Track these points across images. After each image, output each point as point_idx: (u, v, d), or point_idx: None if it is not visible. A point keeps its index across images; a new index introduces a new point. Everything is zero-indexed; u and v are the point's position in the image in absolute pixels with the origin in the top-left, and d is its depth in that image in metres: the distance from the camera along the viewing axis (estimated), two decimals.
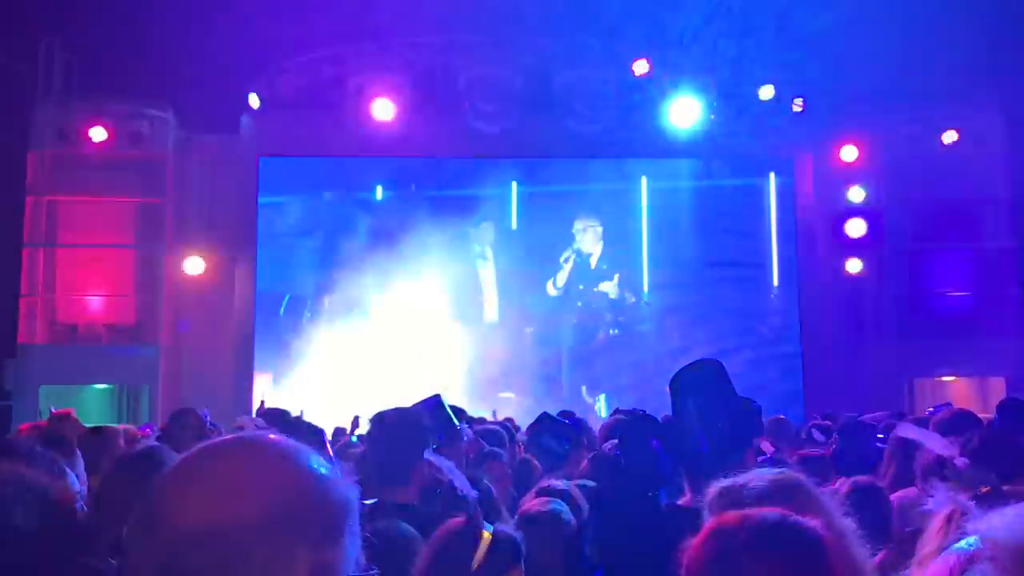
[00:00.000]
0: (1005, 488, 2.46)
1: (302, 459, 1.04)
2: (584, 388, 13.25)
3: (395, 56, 12.82)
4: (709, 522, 1.49)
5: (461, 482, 2.55)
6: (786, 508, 1.50)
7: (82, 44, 12.92)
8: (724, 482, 1.84)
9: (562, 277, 13.41)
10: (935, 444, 3.00)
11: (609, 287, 13.51)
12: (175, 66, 12.53)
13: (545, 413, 5.05)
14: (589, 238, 13.54)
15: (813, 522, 1.46)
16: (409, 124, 12.90)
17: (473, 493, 2.50)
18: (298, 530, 0.97)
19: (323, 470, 1.04)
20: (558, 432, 4.67)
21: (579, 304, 13.45)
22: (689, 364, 3.00)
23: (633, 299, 13.53)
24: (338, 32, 13.00)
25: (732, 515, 1.49)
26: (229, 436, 1.09)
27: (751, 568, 1.39)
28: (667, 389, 2.97)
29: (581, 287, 13.47)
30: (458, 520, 2.38)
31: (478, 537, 2.33)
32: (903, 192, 13.55)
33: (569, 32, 12.83)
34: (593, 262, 13.54)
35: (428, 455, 3.04)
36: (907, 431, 3.27)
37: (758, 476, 1.85)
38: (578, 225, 13.51)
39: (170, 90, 12.84)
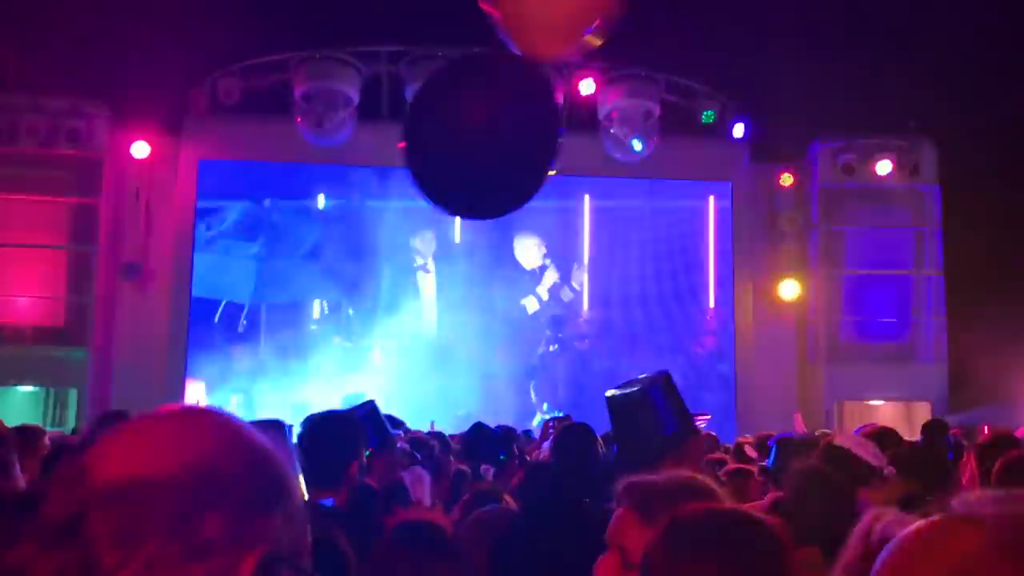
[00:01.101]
0: (928, 498, 2.54)
1: (239, 430, 1.02)
2: (532, 392, 13.27)
3: (342, 64, 12.75)
4: (667, 517, 1.51)
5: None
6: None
7: (20, 39, 12.63)
8: (633, 478, 1.87)
9: (543, 290, 13.49)
10: (867, 454, 3.09)
11: (545, 296, 13.59)
12: (116, 64, 12.33)
13: (479, 423, 5.07)
14: (530, 253, 13.60)
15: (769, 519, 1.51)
16: (354, 133, 12.84)
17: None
18: (213, 494, 0.95)
19: (261, 444, 1.02)
20: (491, 442, 4.69)
21: (519, 318, 13.48)
22: (620, 386, 3.00)
23: (571, 295, 13.62)
24: (284, 38, 12.92)
25: (691, 509, 1.52)
26: (173, 404, 1.09)
27: (712, 561, 1.42)
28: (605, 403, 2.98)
29: (523, 302, 13.52)
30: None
31: None
32: (837, 219, 13.90)
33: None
34: (533, 277, 13.60)
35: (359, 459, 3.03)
36: (845, 440, 3.36)
37: (668, 477, 1.88)
38: (517, 242, 13.56)
39: (109, 88, 12.61)
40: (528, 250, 13.60)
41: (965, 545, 0.86)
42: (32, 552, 0.92)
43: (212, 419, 1.03)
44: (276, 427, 2.95)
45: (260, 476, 0.99)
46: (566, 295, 13.61)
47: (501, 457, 4.60)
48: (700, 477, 1.90)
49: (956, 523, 0.89)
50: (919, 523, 0.93)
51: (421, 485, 3.81)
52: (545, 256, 13.67)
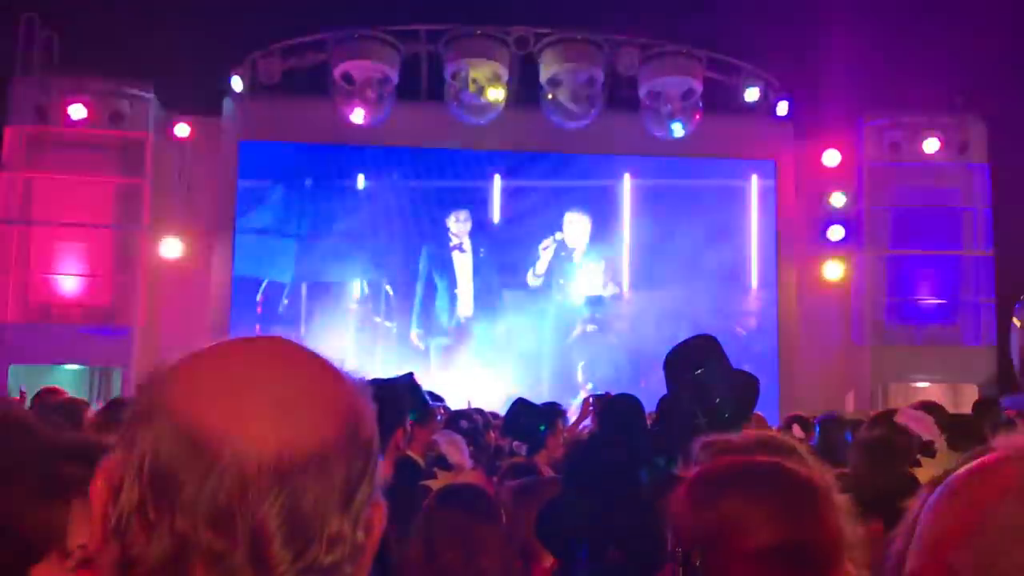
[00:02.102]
0: None
1: (344, 369, 0.94)
2: (580, 373, 13.21)
3: (381, 43, 12.73)
4: (697, 468, 1.46)
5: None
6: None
7: (64, 21, 12.77)
8: (711, 437, 1.82)
9: (542, 266, 13.35)
10: (925, 429, 3.02)
11: (590, 282, 13.50)
12: (158, 46, 12.42)
13: (520, 398, 5.04)
14: (577, 231, 13.49)
15: (803, 469, 1.45)
16: (393, 113, 12.84)
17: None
18: (369, 450, 0.88)
19: (365, 379, 0.95)
20: (533, 416, 4.66)
21: (560, 298, 13.42)
22: (684, 340, 2.97)
23: (616, 290, 13.52)
24: (323, 18, 12.93)
25: (723, 460, 1.47)
26: (253, 337, 0.95)
27: (743, 505, 1.36)
28: (663, 367, 2.94)
29: (562, 281, 13.44)
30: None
31: None
32: (883, 198, 13.66)
33: (556, 25, 12.81)
34: (577, 257, 13.51)
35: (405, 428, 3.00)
36: (904, 415, 3.29)
37: (745, 434, 1.83)
38: (568, 217, 13.47)
39: (152, 70, 12.72)
40: (576, 226, 13.48)
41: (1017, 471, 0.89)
42: (190, 527, 0.81)
43: (323, 362, 0.92)
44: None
45: (376, 425, 0.92)
46: (610, 290, 13.51)
47: (541, 428, 4.56)
48: (780, 435, 1.85)
49: (1008, 456, 0.92)
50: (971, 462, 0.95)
51: (456, 449, 3.78)
52: (586, 235, 13.55)
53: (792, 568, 1.34)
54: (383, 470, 3.14)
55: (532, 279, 13.32)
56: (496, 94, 12.47)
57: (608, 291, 13.49)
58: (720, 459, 1.48)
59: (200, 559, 0.81)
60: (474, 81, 12.49)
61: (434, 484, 2.49)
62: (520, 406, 4.82)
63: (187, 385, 0.87)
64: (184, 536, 0.82)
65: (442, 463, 3.58)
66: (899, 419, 3.27)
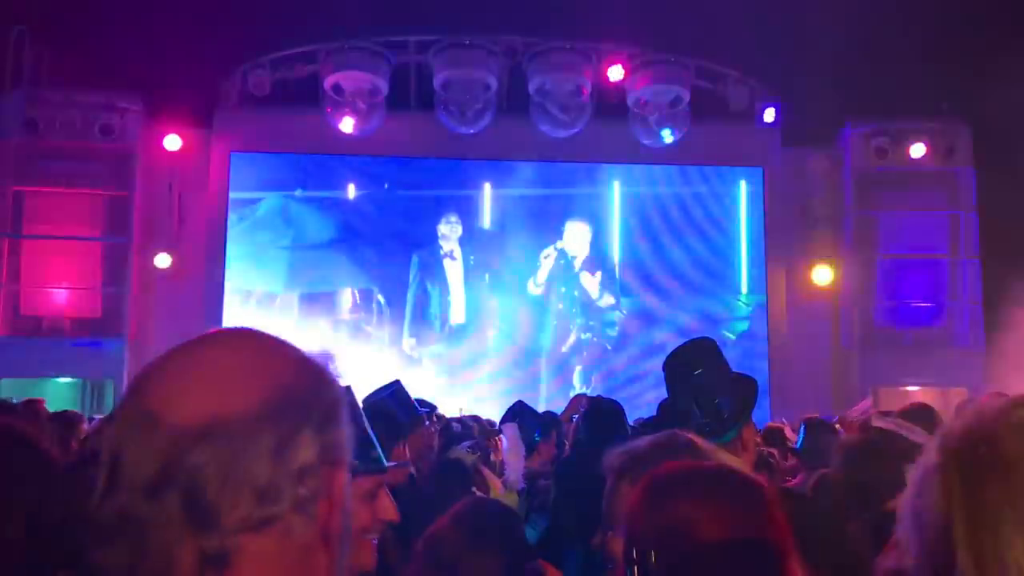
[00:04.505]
0: None
1: (293, 346, 1.02)
2: (576, 379, 13.25)
3: (370, 54, 12.79)
4: (646, 475, 1.50)
5: None
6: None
7: (53, 34, 12.79)
8: (617, 448, 1.89)
9: (542, 274, 13.40)
10: (908, 432, 3.08)
11: (589, 290, 13.53)
12: (148, 59, 12.46)
13: (520, 402, 5.04)
14: (578, 240, 13.54)
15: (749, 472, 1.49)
16: (383, 123, 12.89)
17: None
18: (301, 413, 0.95)
19: (311, 356, 1.02)
20: (531, 422, 4.68)
21: (559, 306, 13.46)
22: (683, 343, 3.01)
23: (612, 301, 13.56)
24: (312, 30, 12.98)
25: (669, 464, 1.50)
26: (212, 330, 1.05)
27: (693, 506, 1.40)
28: (662, 368, 2.97)
29: (563, 289, 13.48)
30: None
31: None
32: (871, 203, 13.76)
33: (544, 35, 12.89)
34: (577, 264, 13.56)
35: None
36: (882, 421, 3.34)
37: (644, 438, 1.88)
38: (569, 226, 13.52)
39: (142, 83, 12.75)
40: (577, 235, 13.53)
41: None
42: (128, 501, 0.89)
43: (264, 340, 1.02)
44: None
45: (327, 389, 1.00)
46: (606, 300, 13.54)
47: (536, 437, 4.59)
48: (681, 433, 1.90)
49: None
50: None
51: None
52: (587, 243, 13.60)
53: (743, 566, 1.37)
54: (392, 477, 3.17)
55: (533, 288, 13.37)
56: None
57: (601, 298, 13.53)
58: (668, 463, 1.52)
59: (139, 524, 0.89)
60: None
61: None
62: (519, 409, 4.84)
63: (140, 378, 0.98)
64: (123, 506, 0.90)
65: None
66: (882, 424, 3.32)
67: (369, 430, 1.99)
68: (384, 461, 1.96)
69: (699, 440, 1.83)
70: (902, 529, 1.16)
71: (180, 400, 0.93)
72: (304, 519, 0.94)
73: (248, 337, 1.02)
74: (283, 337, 1.04)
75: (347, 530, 1.01)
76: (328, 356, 1.04)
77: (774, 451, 5.42)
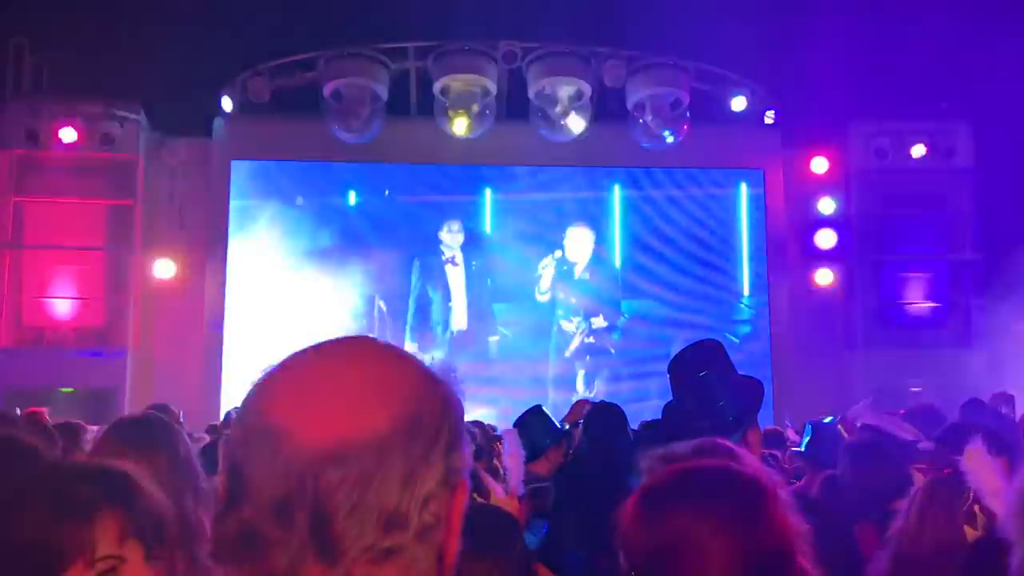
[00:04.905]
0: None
1: (417, 360, 0.99)
2: (579, 382, 13.23)
3: (369, 61, 12.79)
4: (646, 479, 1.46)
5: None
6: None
7: (53, 44, 12.81)
8: (658, 451, 1.85)
9: (545, 283, 13.38)
10: (895, 428, 3.06)
11: (588, 293, 13.52)
12: (147, 68, 12.47)
13: (539, 406, 4.98)
14: (580, 245, 13.53)
15: (748, 469, 1.45)
16: (383, 129, 12.89)
17: None
18: (431, 435, 0.92)
19: (436, 373, 0.99)
20: (544, 427, 4.62)
21: (560, 311, 13.44)
22: (688, 345, 2.99)
23: (610, 306, 13.54)
24: (312, 37, 12.99)
25: (667, 468, 1.46)
26: (334, 339, 1.00)
27: (693, 519, 1.35)
28: (667, 371, 2.95)
29: (562, 295, 13.46)
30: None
31: None
32: (872, 204, 13.75)
33: (543, 40, 12.89)
34: (579, 270, 13.54)
35: None
36: (872, 418, 3.32)
37: (684, 443, 1.84)
38: (571, 231, 13.50)
39: (142, 92, 12.77)
40: (580, 240, 13.52)
41: None
42: (254, 517, 0.87)
43: (388, 353, 0.97)
44: None
45: (453, 408, 0.97)
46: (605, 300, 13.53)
47: (547, 443, 4.54)
48: (721, 440, 1.85)
49: None
50: None
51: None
52: (589, 248, 13.58)
53: (749, 572, 1.33)
54: None
55: (539, 296, 13.37)
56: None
57: (603, 302, 13.51)
58: (667, 468, 1.47)
59: (265, 544, 0.86)
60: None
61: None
62: (537, 414, 4.76)
63: (261, 389, 0.94)
64: (248, 523, 0.87)
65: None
66: (868, 421, 3.30)
67: None
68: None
69: (739, 449, 1.79)
70: (1010, 530, 1.14)
71: (309, 417, 0.89)
72: (426, 548, 0.91)
73: (372, 349, 0.98)
74: (403, 349, 1.00)
75: (458, 556, 0.98)
76: (450, 369, 1.00)
77: (776, 452, 5.40)
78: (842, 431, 5.13)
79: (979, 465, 2.30)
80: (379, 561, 0.88)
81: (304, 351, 0.97)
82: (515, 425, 4.80)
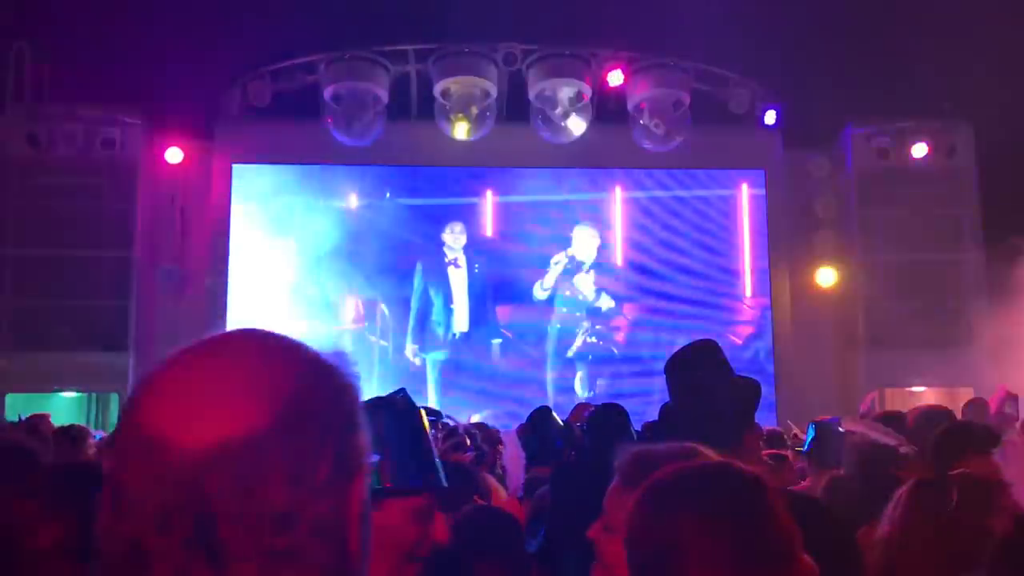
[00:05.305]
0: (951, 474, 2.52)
1: (304, 346, 0.94)
2: (577, 384, 13.22)
3: (370, 64, 12.80)
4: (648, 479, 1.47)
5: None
6: None
7: (53, 50, 12.82)
8: (635, 449, 1.85)
9: (549, 279, 13.36)
10: (878, 434, 3.05)
11: (591, 293, 13.51)
12: (148, 72, 12.48)
13: (547, 407, 4.96)
14: (586, 245, 13.52)
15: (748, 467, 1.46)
16: (384, 132, 12.90)
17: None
18: (319, 425, 0.88)
19: (326, 359, 0.94)
20: (556, 428, 4.61)
21: (564, 310, 13.43)
22: (684, 346, 2.97)
23: (612, 304, 13.54)
24: (312, 40, 13.00)
25: (668, 468, 1.47)
26: (214, 335, 0.96)
27: (698, 516, 1.36)
28: (664, 372, 2.94)
29: (568, 293, 13.45)
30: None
31: None
32: (873, 203, 13.73)
33: (543, 42, 12.89)
34: (584, 270, 13.53)
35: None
36: (852, 424, 3.32)
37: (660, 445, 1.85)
38: (577, 231, 13.50)
39: (142, 96, 12.78)
40: (586, 240, 13.51)
41: None
42: (136, 531, 0.83)
43: (271, 343, 0.93)
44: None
45: (345, 393, 0.93)
46: (607, 301, 13.51)
47: (558, 445, 4.52)
48: (692, 444, 1.86)
49: None
50: None
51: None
52: (595, 249, 13.57)
53: (753, 569, 1.34)
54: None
55: (540, 292, 13.35)
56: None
57: (605, 303, 13.51)
58: (667, 467, 1.47)
59: (150, 558, 0.83)
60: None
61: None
62: (546, 416, 4.74)
63: (140, 392, 0.90)
64: (131, 538, 0.84)
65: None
66: (853, 428, 3.30)
67: (432, 448, 1.91)
68: (443, 479, 1.88)
69: (718, 456, 1.78)
70: None
71: (186, 421, 0.85)
72: (324, 543, 0.87)
73: (254, 341, 0.94)
74: (291, 336, 0.95)
75: (367, 546, 0.93)
76: (342, 354, 0.96)
77: (787, 453, 5.37)
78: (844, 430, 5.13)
79: (1016, 457, 2.29)
80: (273, 562, 0.84)
81: (181, 352, 0.92)
82: (525, 425, 4.79)
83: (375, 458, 0.97)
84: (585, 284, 13.49)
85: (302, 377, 0.90)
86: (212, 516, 0.83)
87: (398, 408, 3.49)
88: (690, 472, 1.44)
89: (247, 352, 0.92)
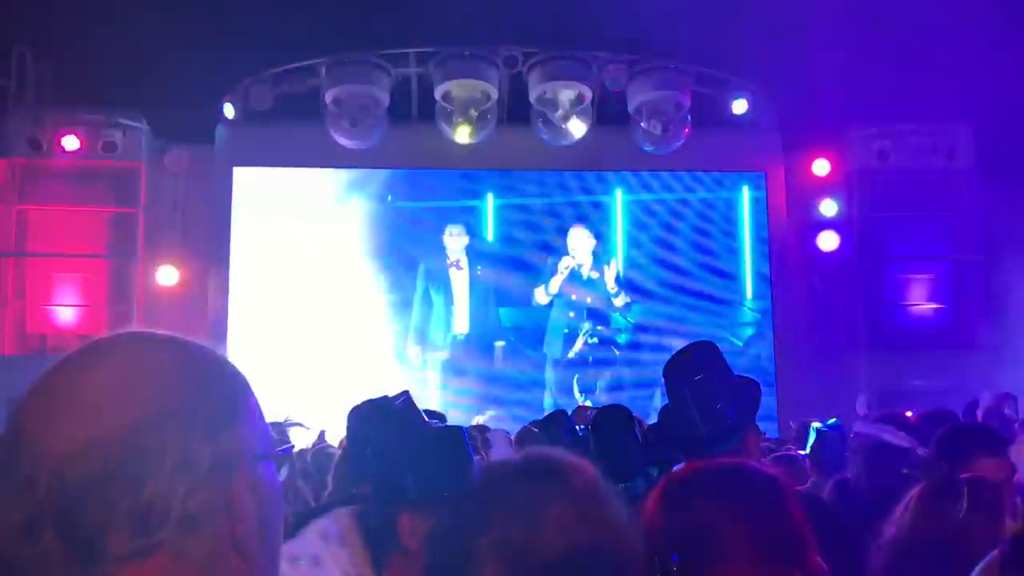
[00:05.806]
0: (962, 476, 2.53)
1: (179, 345, 0.96)
2: (575, 387, 13.22)
3: (371, 67, 12.81)
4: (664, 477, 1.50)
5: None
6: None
7: (56, 53, 12.83)
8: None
9: (555, 283, 13.35)
10: (892, 436, 3.05)
11: (593, 296, 13.50)
12: (149, 76, 12.47)
13: (562, 410, 4.94)
14: (584, 247, 13.52)
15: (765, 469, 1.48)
16: (385, 136, 12.91)
17: None
18: (183, 423, 0.88)
19: (199, 352, 0.96)
20: (566, 432, 4.59)
21: (571, 315, 13.42)
22: (683, 348, 2.98)
23: (613, 303, 13.53)
24: (313, 44, 13.00)
25: (686, 466, 1.50)
26: (94, 339, 0.98)
27: (717, 508, 1.39)
28: (662, 375, 2.95)
29: (573, 296, 13.45)
30: None
31: None
32: (873, 206, 13.74)
33: (544, 45, 12.91)
34: (584, 272, 13.54)
35: None
36: (865, 427, 3.32)
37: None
38: (574, 233, 13.50)
39: (144, 100, 12.79)
40: (583, 242, 13.51)
41: None
42: (2, 542, 0.83)
43: (144, 346, 0.95)
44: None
45: (216, 388, 0.94)
46: (620, 300, 13.49)
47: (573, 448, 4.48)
48: (751, 463, 1.87)
49: None
50: None
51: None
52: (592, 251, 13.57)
53: (769, 564, 1.37)
54: None
55: (542, 296, 13.34)
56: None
57: (606, 304, 13.51)
58: (686, 465, 1.51)
59: (18, 566, 0.83)
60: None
61: None
62: (559, 419, 4.72)
63: (17, 402, 0.93)
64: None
65: None
66: (864, 430, 3.30)
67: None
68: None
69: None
70: None
71: (50, 424, 0.87)
72: (199, 539, 0.87)
73: (128, 344, 0.96)
74: (171, 334, 0.97)
75: (269, 535, 0.93)
76: (210, 351, 0.97)
77: (799, 452, 5.36)
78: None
79: (1018, 458, 2.31)
80: (141, 558, 0.84)
81: (63, 358, 0.95)
82: (537, 426, 4.77)
83: (286, 449, 0.98)
84: (588, 286, 13.45)
85: (173, 375, 0.92)
86: (76, 515, 0.83)
87: (399, 409, 3.50)
88: (715, 468, 1.48)
89: (118, 354, 0.94)
